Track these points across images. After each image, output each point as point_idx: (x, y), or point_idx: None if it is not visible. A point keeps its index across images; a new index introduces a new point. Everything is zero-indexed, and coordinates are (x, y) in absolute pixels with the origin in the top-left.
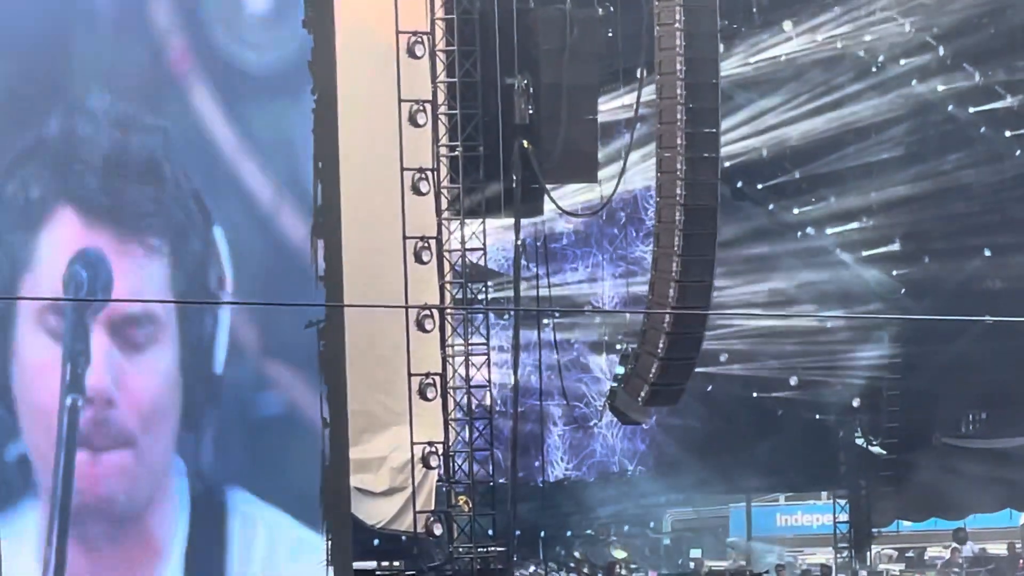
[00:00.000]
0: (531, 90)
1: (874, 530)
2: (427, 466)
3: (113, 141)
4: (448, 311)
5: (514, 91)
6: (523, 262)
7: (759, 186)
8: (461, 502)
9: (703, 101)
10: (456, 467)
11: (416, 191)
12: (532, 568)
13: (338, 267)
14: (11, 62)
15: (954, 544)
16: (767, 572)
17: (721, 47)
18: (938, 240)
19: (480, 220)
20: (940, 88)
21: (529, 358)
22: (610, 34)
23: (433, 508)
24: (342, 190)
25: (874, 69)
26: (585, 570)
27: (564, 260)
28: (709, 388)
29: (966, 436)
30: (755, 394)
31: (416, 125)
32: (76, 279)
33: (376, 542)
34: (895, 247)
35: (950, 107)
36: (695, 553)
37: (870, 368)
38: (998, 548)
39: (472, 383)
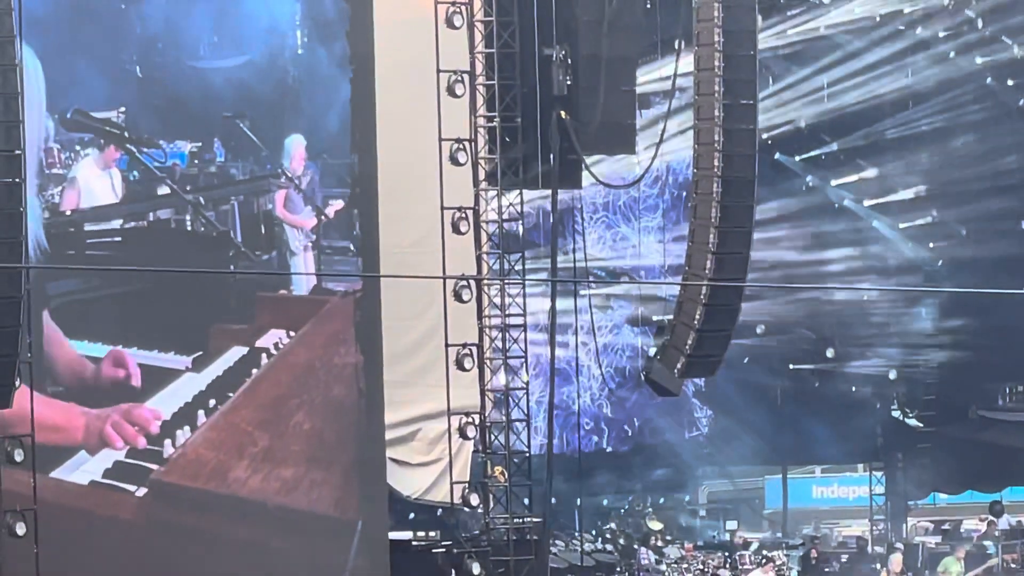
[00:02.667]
0: (569, 61)
1: (910, 502)
2: (463, 437)
3: None
4: (485, 282)
5: (552, 62)
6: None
7: (797, 158)
8: (497, 473)
9: (741, 73)
10: (492, 438)
11: (454, 162)
12: (568, 539)
13: (374, 237)
14: None
15: (990, 517)
16: (802, 543)
17: (759, 19)
18: (975, 212)
19: (517, 191)
20: (978, 60)
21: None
22: (648, 5)
23: (469, 479)
24: (379, 160)
25: (912, 41)
26: (621, 541)
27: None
28: (746, 360)
29: (1003, 408)
30: (791, 366)
31: (454, 96)
32: None
33: (411, 515)
34: (933, 219)
35: (988, 79)
36: (731, 525)
37: (907, 340)
38: None
39: (509, 354)
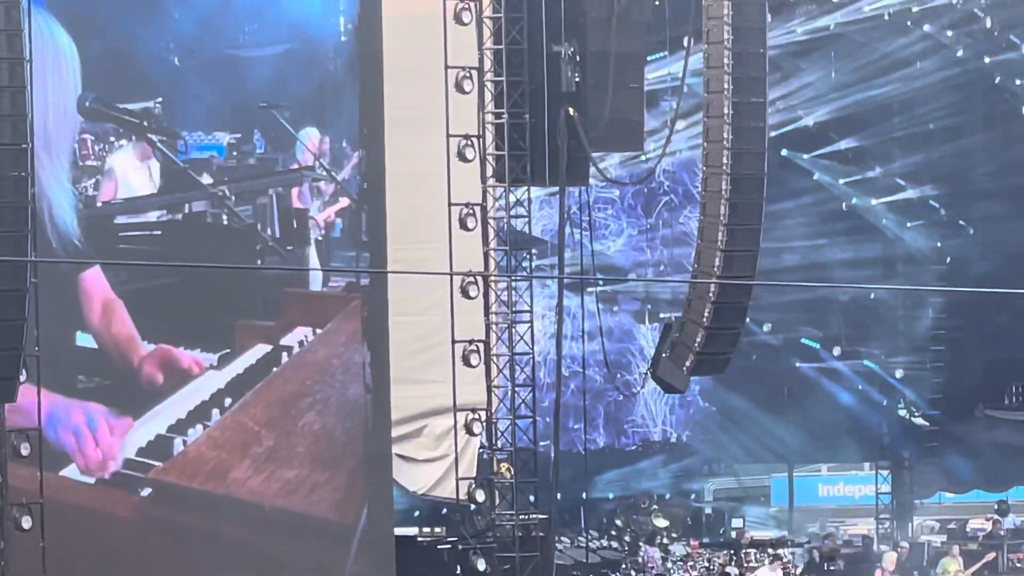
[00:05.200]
0: (578, 58)
1: (916, 501)
2: (470, 433)
3: None
4: (492, 278)
5: (561, 59)
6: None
7: (805, 156)
8: (503, 469)
9: (750, 70)
10: (498, 434)
11: (462, 158)
12: (573, 536)
13: (382, 233)
14: None
15: (996, 516)
16: (808, 541)
17: (769, 16)
18: (983, 211)
19: (525, 188)
20: (987, 60)
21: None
22: (657, 2)
23: (475, 475)
24: (387, 156)
25: (920, 40)
26: (626, 538)
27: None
28: (753, 357)
29: (1009, 408)
30: (798, 364)
31: (462, 92)
32: None
33: (416, 514)
34: (940, 217)
35: (997, 79)
36: (736, 523)
37: (913, 339)
38: None
39: (515, 350)
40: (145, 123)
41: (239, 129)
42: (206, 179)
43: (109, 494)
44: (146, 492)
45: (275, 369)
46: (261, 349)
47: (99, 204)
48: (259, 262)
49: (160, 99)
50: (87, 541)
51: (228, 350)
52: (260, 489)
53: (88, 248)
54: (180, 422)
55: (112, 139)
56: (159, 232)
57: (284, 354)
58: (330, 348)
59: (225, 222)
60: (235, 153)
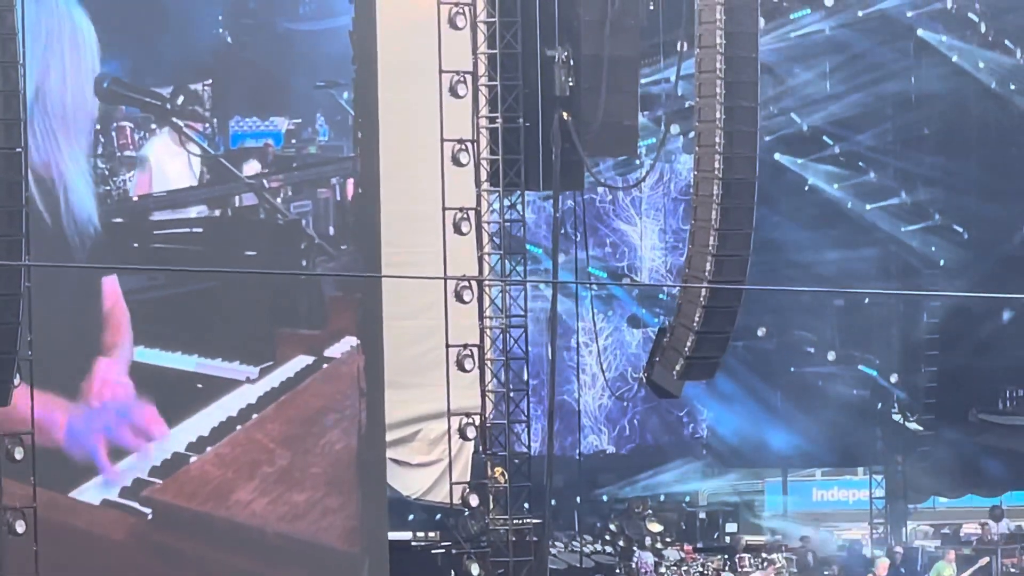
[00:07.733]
0: (572, 62)
1: (910, 506)
2: (464, 437)
3: None
4: (486, 283)
5: (555, 63)
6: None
7: (798, 160)
8: (497, 474)
9: (742, 75)
10: (492, 439)
11: (456, 162)
12: (567, 541)
13: (376, 238)
14: None
15: (989, 521)
16: (802, 547)
17: (761, 21)
18: (977, 215)
19: (519, 192)
20: (981, 64)
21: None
22: (651, 7)
23: (469, 480)
24: (382, 160)
25: (915, 44)
26: (620, 543)
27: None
28: (747, 362)
29: (1003, 413)
30: (792, 368)
31: (457, 96)
32: None
33: (410, 518)
34: (934, 222)
35: (992, 83)
36: (731, 527)
37: (907, 343)
38: None
39: (509, 355)
40: (168, 106)
41: (300, 113)
42: (256, 169)
43: (105, 515)
44: (149, 515)
45: (305, 381)
46: (302, 361)
47: (135, 198)
48: (304, 263)
49: (210, 81)
50: (79, 566)
51: (271, 362)
52: (264, 512)
53: (111, 241)
54: (201, 439)
55: (153, 127)
56: (200, 229)
57: (325, 366)
58: None
59: (280, 220)
60: (294, 141)
